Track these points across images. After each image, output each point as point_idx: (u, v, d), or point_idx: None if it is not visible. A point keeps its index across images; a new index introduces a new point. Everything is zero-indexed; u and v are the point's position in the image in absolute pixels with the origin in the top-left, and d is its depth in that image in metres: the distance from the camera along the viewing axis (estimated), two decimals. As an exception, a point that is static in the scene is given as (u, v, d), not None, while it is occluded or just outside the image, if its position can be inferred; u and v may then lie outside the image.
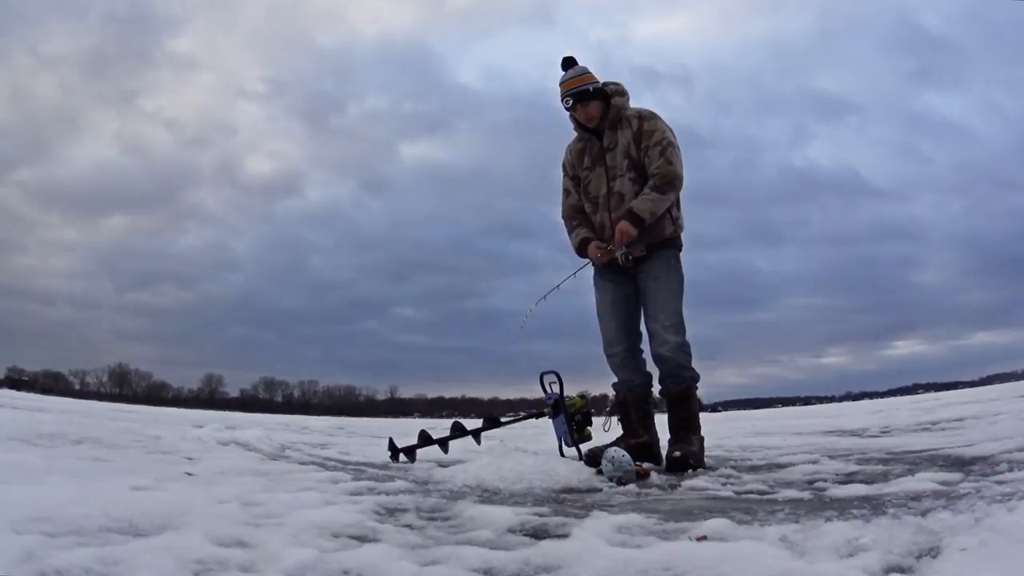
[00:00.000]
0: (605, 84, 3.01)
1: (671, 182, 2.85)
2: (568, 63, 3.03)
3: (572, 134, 3.10)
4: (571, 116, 3.01)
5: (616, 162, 2.93)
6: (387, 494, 1.93)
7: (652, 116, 2.96)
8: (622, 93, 3.01)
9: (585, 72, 2.99)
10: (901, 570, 1.04)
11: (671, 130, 2.96)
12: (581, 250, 3.02)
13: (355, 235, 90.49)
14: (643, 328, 2.98)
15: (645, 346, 3.00)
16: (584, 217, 3.05)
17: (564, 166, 3.15)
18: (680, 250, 2.99)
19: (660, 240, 2.91)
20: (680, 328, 2.87)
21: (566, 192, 3.12)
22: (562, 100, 2.98)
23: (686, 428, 2.83)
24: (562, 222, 3.15)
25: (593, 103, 2.95)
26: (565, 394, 3.08)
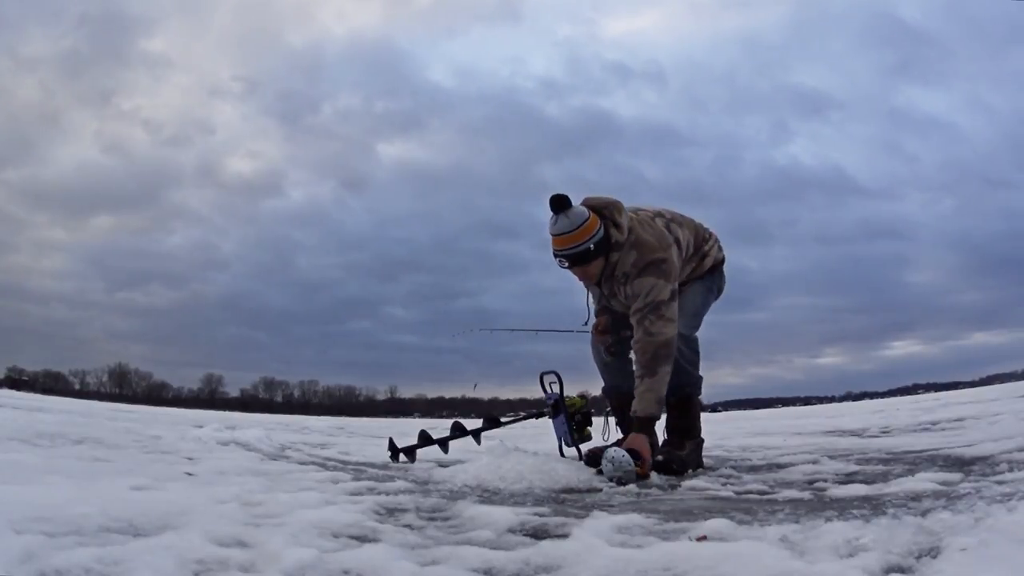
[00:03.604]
0: (603, 215, 2.56)
1: (655, 355, 2.48)
2: (559, 205, 2.52)
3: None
4: None
5: (625, 310, 2.66)
6: (387, 494, 1.93)
7: (637, 274, 2.55)
8: (620, 245, 2.56)
9: (583, 223, 2.51)
10: (901, 570, 1.04)
11: (659, 269, 2.54)
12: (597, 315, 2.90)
13: (339, 234, 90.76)
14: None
15: None
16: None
17: None
18: (716, 271, 2.86)
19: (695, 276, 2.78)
20: (691, 323, 2.77)
21: None
22: (555, 257, 2.57)
23: (679, 433, 2.78)
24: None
25: (594, 262, 2.56)
26: (565, 394, 3.07)
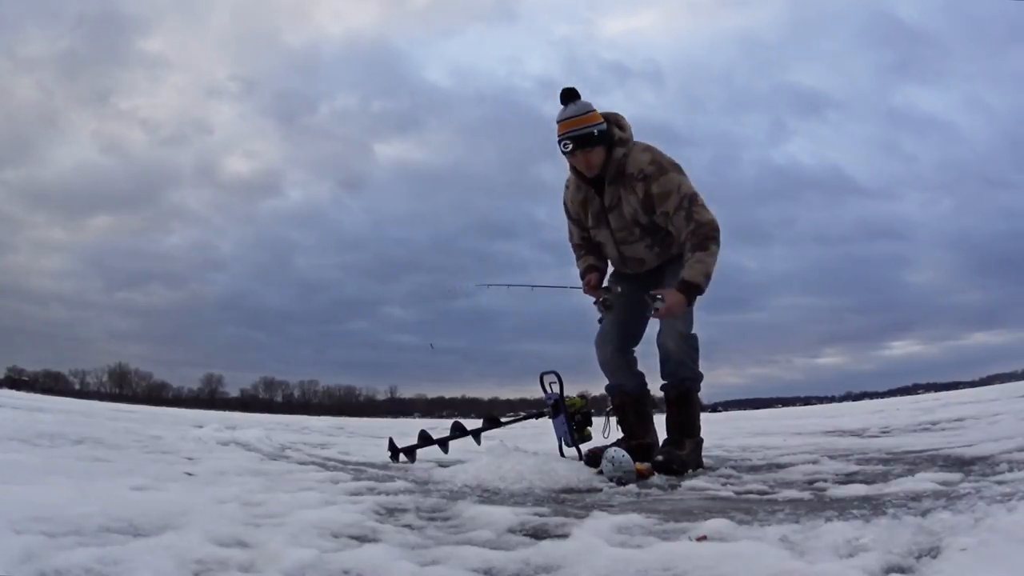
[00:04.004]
0: (608, 119, 2.70)
1: (709, 235, 2.58)
2: (568, 96, 2.68)
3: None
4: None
5: (624, 225, 2.73)
6: (387, 494, 1.93)
7: (659, 171, 2.63)
8: (624, 141, 2.69)
9: (589, 111, 2.66)
10: (901, 570, 1.04)
11: (677, 168, 2.67)
12: (583, 278, 2.93)
13: (337, 234, 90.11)
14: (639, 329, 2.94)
15: (637, 347, 2.96)
16: (592, 246, 2.93)
17: (565, 206, 2.95)
18: None
19: (673, 258, 2.81)
20: (687, 319, 2.77)
21: (570, 231, 3.01)
22: (559, 142, 2.66)
23: (679, 431, 2.78)
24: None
25: (596, 149, 2.63)
26: (565, 394, 3.07)
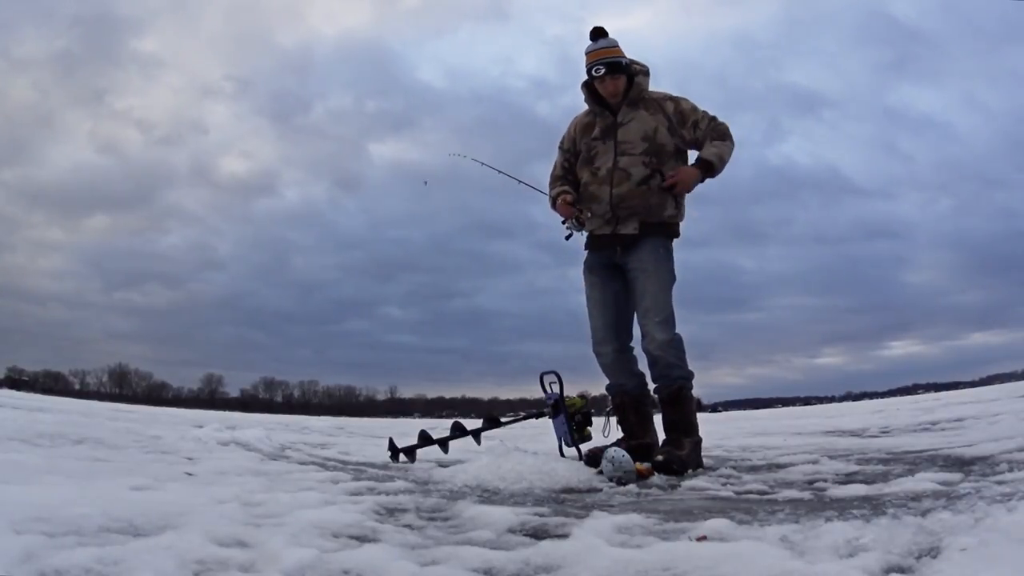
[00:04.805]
0: (632, 62, 2.97)
1: (727, 133, 2.91)
2: (598, 33, 2.98)
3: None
4: (588, 89, 2.97)
5: (630, 139, 2.88)
6: (387, 494, 1.93)
7: (679, 97, 2.97)
8: (646, 74, 2.98)
9: (617, 45, 2.95)
10: (901, 570, 1.04)
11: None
12: (555, 202, 3.01)
13: (335, 234, 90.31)
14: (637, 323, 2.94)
15: (636, 343, 2.95)
16: (571, 181, 3.05)
17: (562, 140, 3.11)
18: (673, 238, 2.93)
19: (657, 221, 2.86)
20: (669, 323, 2.80)
21: (555, 167, 3.12)
22: (591, 68, 2.92)
23: (677, 430, 2.78)
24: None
25: (621, 77, 2.92)
26: (565, 394, 3.08)
